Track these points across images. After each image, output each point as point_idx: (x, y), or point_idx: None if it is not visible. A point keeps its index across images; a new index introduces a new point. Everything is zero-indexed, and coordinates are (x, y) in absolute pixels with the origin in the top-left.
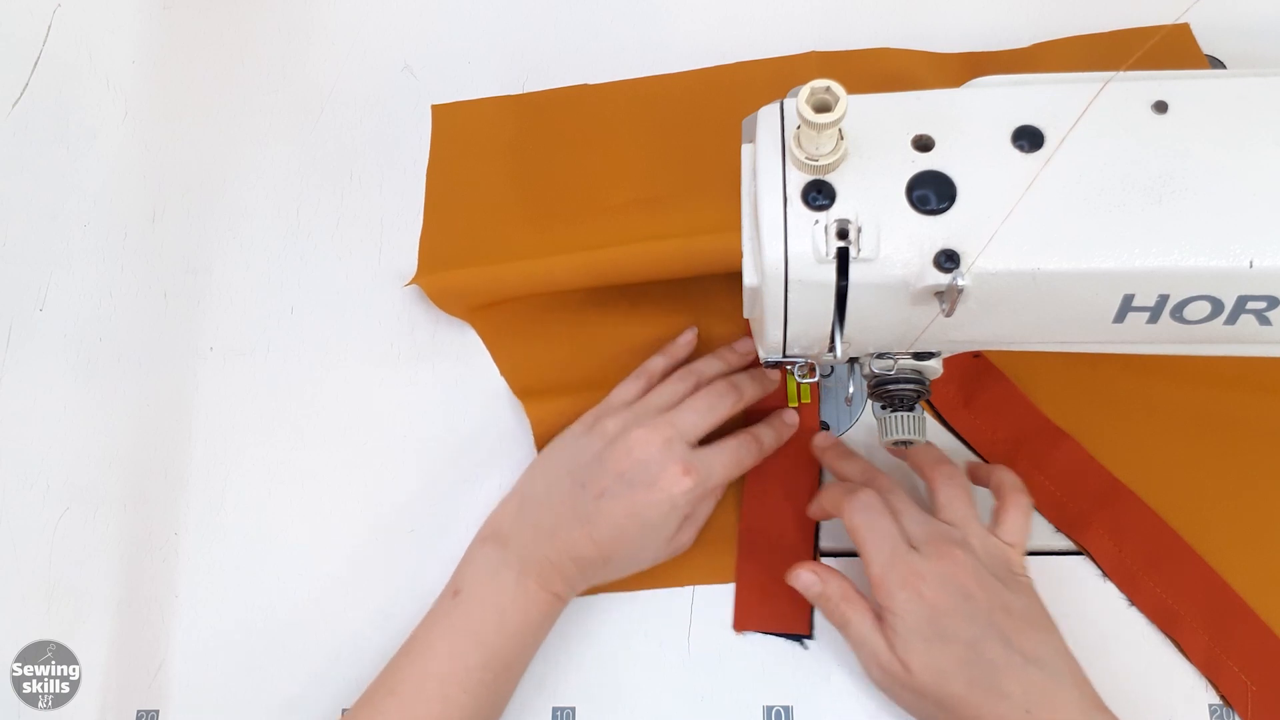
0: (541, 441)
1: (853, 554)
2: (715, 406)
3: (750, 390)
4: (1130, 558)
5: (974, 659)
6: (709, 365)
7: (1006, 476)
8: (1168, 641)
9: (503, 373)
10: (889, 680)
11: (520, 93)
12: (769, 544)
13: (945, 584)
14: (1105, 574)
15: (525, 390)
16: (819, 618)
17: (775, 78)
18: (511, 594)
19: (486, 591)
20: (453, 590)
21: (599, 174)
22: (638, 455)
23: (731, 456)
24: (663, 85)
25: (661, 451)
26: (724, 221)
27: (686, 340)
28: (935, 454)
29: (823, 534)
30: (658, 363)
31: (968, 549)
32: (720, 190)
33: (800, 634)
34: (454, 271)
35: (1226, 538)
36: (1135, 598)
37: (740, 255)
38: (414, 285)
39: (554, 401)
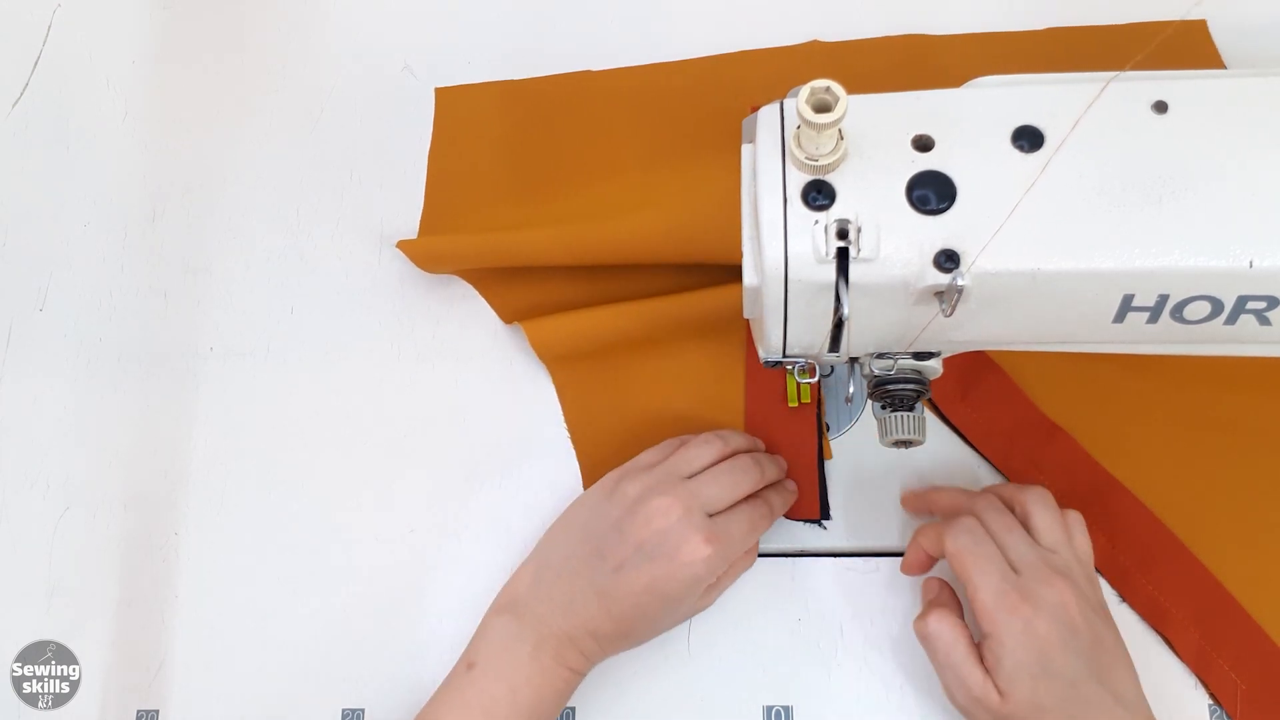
0: (561, 387)
1: (857, 553)
2: (739, 483)
3: (770, 473)
4: (1122, 554)
5: (1073, 697)
6: (737, 437)
7: (1046, 496)
8: (1159, 638)
9: (491, 304)
10: (977, 706)
11: (523, 78)
12: (774, 436)
13: (1055, 616)
14: (1097, 570)
15: (519, 316)
16: (835, 500)
17: (777, 67)
18: (526, 670)
19: (500, 665)
20: (467, 663)
21: (599, 160)
22: (657, 525)
23: (748, 523)
24: (666, 73)
25: (682, 521)
26: (721, 210)
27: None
28: (1021, 486)
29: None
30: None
31: (1071, 578)
32: (719, 177)
33: (814, 519)
34: (441, 237)
35: (1219, 536)
36: (1126, 594)
37: (733, 245)
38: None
39: (567, 346)
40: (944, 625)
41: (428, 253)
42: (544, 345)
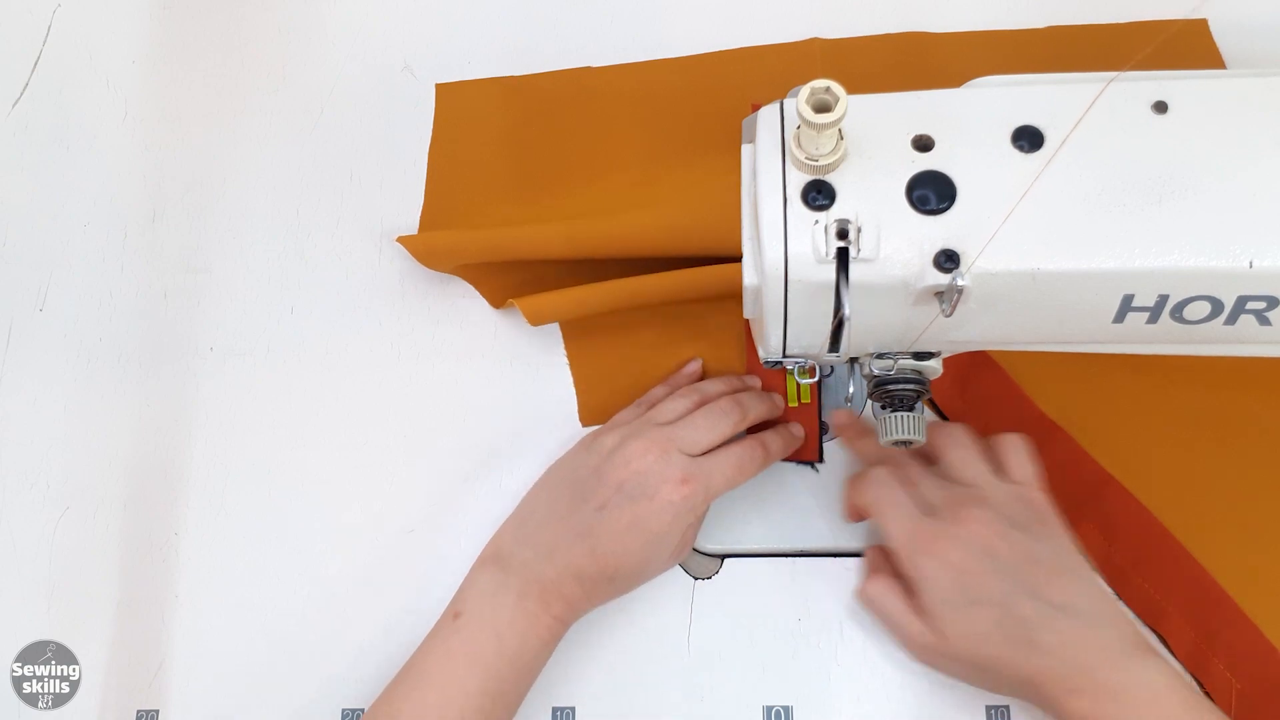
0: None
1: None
2: (717, 424)
3: (755, 409)
4: (1119, 552)
5: (1006, 618)
6: (714, 385)
7: (959, 432)
8: (1155, 637)
9: (479, 288)
10: (926, 652)
11: (523, 74)
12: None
13: (968, 545)
14: (1094, 568)
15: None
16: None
17: (777, 64)
18: (510, 616)
19: (485, 614)
20: (453, 613)
21: (599, 156)
22: (635, 466)
23: (734, 464)
24: (666, 70)
25: (659, 462)
26: (721, 208)
27: (691, 370)
28: (937, 425)
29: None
30: (659, 391)
31: (985, 505)
32: (719, 175)
33: (810, 460)
34: (442, 232)
35: (1216, 535)
36: (1122, 592)
37: (733, 243)
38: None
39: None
40: (876, 586)
41: (428, 248)
42: (539, 317)
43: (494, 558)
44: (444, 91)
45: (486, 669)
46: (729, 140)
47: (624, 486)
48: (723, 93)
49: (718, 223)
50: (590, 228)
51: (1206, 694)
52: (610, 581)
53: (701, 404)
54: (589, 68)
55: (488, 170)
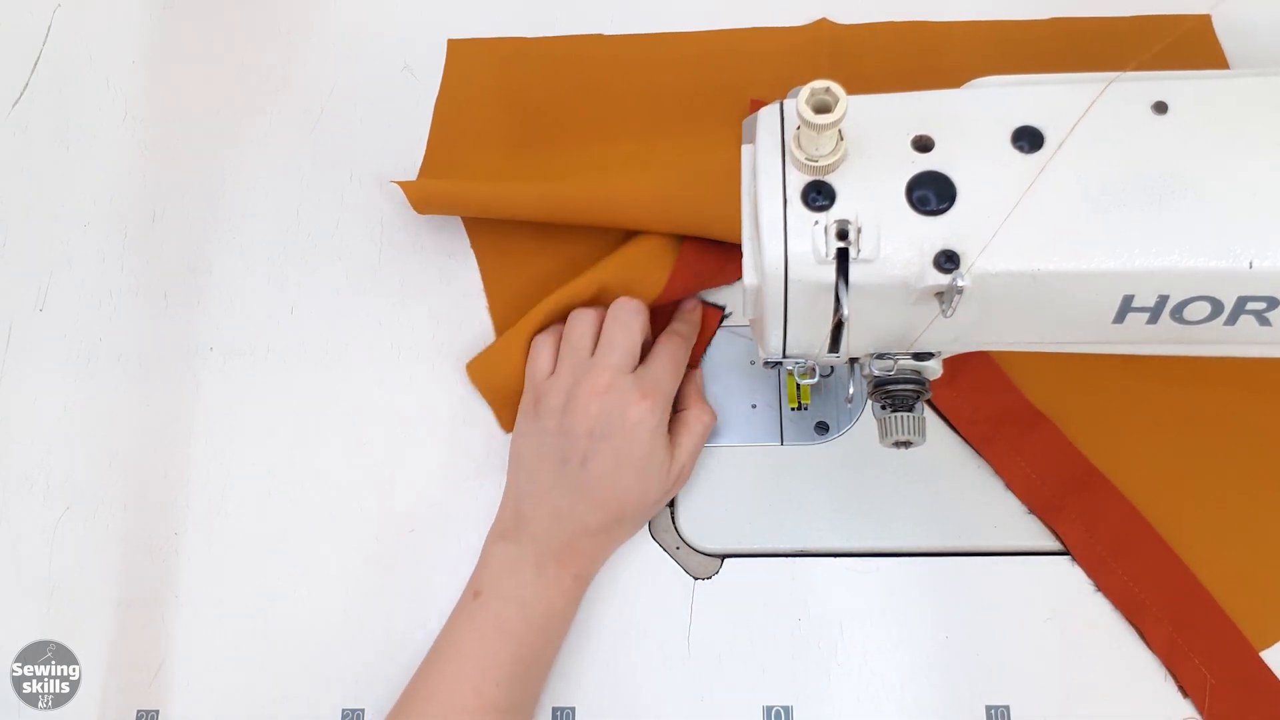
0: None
1: (860, 553)
2: (629, 325)
3: (637, 297)
4: (1100, 544)
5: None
6: (583, 310)
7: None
8: (1131, 629)
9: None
10: None
11: (535, 36)
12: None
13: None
14: (1074, 559)
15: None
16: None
17: (784, 45)
18: (531, 586)
19: (506, 587)
20: (473, 593)
21: (601, 122)
22: (594, 408)
23: (669, 361)
24: (675, 44)
25: (613, 391)
26: (714, 182)
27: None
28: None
29: (836, 536)
30: (544, 353)
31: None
32: (716, 148)
33: (719, 315)
34: (439, 181)
35: (1197, 531)
36: (1102, 583)
37: (721, 216)
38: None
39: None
40: None
41: (423, 194)
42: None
43: (503, 535)
44: (455, 47)
45: (517, 638)
46: (730, 117)
47: (594, 432)
48: (729, 70)
49: (711, 198)
50: (584, 193)
51: (1180, 688)
52: (620, 523)
53: (601, 317)
54: (600, 35)
55: (491, 126)
